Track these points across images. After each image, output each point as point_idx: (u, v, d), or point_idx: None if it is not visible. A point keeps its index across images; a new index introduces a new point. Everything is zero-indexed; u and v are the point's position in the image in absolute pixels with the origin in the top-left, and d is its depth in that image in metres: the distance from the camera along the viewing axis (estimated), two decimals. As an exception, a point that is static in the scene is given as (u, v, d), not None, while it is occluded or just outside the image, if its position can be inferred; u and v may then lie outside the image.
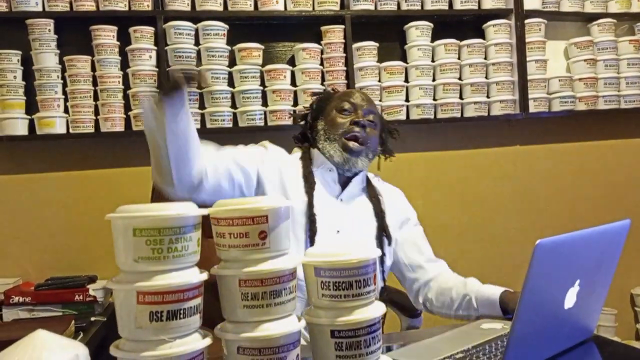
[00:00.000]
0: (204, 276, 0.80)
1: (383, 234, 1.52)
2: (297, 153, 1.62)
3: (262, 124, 2.40)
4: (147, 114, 1.27)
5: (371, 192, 1.59)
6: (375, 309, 0.88)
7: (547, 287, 0.97)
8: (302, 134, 1.66)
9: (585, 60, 2.79)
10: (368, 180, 1.62)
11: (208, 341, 0.79)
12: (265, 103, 2.45)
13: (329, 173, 1.55)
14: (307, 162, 1.56)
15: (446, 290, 1.49)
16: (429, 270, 1.55)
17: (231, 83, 2.44)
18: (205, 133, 2.37)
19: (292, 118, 1.69)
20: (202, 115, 2.40)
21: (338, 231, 1.49)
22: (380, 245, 1.52)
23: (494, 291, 1.40)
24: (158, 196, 1.67)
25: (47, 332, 0.68)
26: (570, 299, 1.03)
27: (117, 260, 0.78)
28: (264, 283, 0.82)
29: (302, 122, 1.66)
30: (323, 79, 2.52)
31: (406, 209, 1.65)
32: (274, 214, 0.84)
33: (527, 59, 2.69)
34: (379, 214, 1.55)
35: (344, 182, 1.56)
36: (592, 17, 2.85)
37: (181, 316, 0.76)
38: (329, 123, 1.55)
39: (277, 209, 0.85)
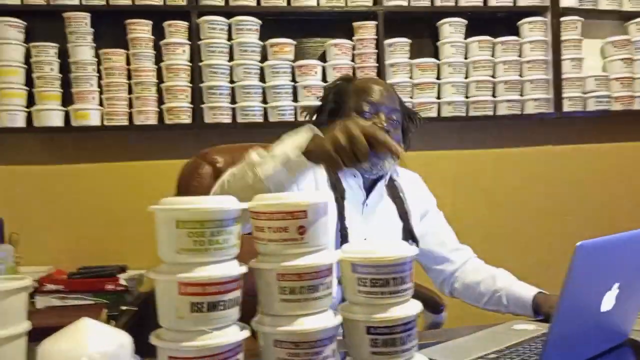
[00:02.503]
0: (244, 269, 0.81)
1: (409, 236, 1.48)
2: None
3: (293, 119, 2.41)
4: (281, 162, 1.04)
5: (394, 191, 1.52)
6: (411, 307, 0.88)
7: (585, 289, 0.96)
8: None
9: (622, 59, 2.74)
10: (389, 176, 1.54)
11: (246, 333, 0.80)
12: (295, 99, 2.45)
13: (353, 179, 1.46)
14: None
15: (474, 284, 1.48)
16: (453, 261, 1.53)
17: (262, 78, 2.45)
18: (236, 127, 2.40)
19: (304, 113, 1.49)
20: (233, 109, 2.42)
21: (365, 239, 1.42)
22: None
23: (527, 292, 1.38)
24: (184, 190, 1.68)
25: (92, 320, 0.69)
26: (607, 302, 1.01)
27: (159, 251, 0.79)
28: (302, 277, 0.82)
29: (316, 116, 1.50)
30: (354, 75, 2.52)
31: (425, 199, 1.59)
32: (313, 209, 0.84)
33: (563, 57, 2.65)
34: (404, 215, 1.50)
35: (369, 187, 1.48)
36: (630, 16, 2.80)
37: (221, 308, 0.77)
38: None
39: (316, 204, 0.85)
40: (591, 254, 0.92)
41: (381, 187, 1.49)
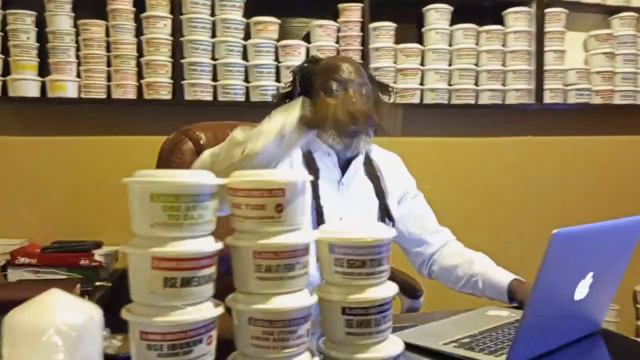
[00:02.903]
0: (219, 245, 0.79)
1: (385, 214, 1.48)
2: None
3: (275, 99, 2.39)
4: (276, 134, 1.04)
5: (371, 169, 1.51)
6: (387, 289, 0.88)
7: (560, 277, 0.97)
8: None
9: (604, 53, 2.76)
10: (366, 154, 1.52)
11: (220, 310, 0.79)
12: (278, 79, 2.43)
13: (328, 157, 1.44)
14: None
15: (451, 267, 1.49)
16: (432, 244, 1.54)
17: (245, 56, 2.42)
18: (217, 106, 2.37)
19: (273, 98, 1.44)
20: (215, 87, 2.38)
21: (341, 218, 1.43)
22: None
23: (503, 279, 1.39)
24: (164, 166, 1.66)
25: (61, 292, 0.67)
26: (581, 291, 1.02)
27: (133, 225, 0.77)
28: (278, 256, 0.81)
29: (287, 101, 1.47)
30: (338, 58, 2.50)
31: (404, 180, 1.58)
32: (292, 187, 0.83)
33: (545, 48, 2.66)
34: (380, 194, 1.49)
35: (344, 165, 1.47)
36: (613, 10, 2.81)
37: (195, 284, 0.75)
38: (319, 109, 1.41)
39: (295, 182, 0.84)
40: (566, 242, 0.92)
41: (357, 165, 1.48)
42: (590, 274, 1.02)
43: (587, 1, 2.76)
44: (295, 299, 0.82)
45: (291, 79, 1.51)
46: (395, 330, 0.92)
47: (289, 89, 1.49)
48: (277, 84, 2.41)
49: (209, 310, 0.78)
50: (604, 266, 1.07)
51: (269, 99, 2.38)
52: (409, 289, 1.71)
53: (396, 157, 1.62)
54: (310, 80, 1.45)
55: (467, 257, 1.49)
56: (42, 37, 2.28)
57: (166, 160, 1.67)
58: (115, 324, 0.89)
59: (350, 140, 1.40)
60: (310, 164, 1.42)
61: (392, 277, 0.91)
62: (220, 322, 0.82)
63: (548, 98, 2.67)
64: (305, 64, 1.52)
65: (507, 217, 2.75)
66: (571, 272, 0.99)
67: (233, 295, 0.85)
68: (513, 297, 1.36)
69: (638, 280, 2.89)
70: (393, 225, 1.50)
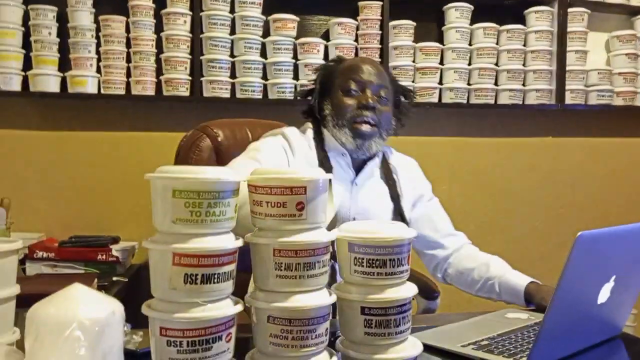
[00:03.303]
0: (240, 242, 0.79)
1: (399, 217, 1.47)
2: (309, 132, 1.49)
3: (292, 97, 2.38)
4: None
5: (387, 172, 1.51)
6: (407, 289, 0.87)
7: (583, 280, 0.95)
8: (310, 110, 1.52)
9: (626, 54, 2.72)
10: (383, 156, 1.54)
11: (239, 307, 0.79)
12: (296, 76, 2.42)
13: (342, 157, 1.46)
14: (320, 144, 1.46)
15: (467, 271, 1.47)
16: (447, 247, 1.53)
17: (263, 54, 2.42)
18: (235, 103, 2.37)
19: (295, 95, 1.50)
20: (233, 84, 2.39)
21: (354, 218, 1.43)
22: None
23: (520, 282, 1.37)
24: (182, 162, 1.67)
25: (83, 286, 0.67)
26: (604, 295, 1.01)
27: (154, 220, 0.77)
28: (299, 254, 0.81)
29: (312, 98, 1.52)
30: (356, 55, 2.49)
31: (420, 184, 1.58)
32: (313, 185, 0.83)
33: (567, 49, 2.62)
34: (395, 197, 1.49)
35: (359, 166, 1.48)
36: (636, 11, 2.78)
37: (215, 280, 0.75)
38: (336, 107, 1.44)
39: (316, 180, 0.83)
40: (591, 244, 0.91)
41: (372, 167, 1.49)
42: (614, 277, 1.00)
43: (610, 1, 2.73)
44: (315, 298, 0.82)
45: (313, 77, 1.54)
46: (412, 331, 0.91)
47: (311, 87, 1.52)
48: (295, 81, 2.40)
49: (228, 308, 0.77)
50: (627, 270, 1.05)
51: (287, 96, 2.37)
52: (425, 290, 1.70)
53: (413, 162, 1.63)
54: (331, 79, 1.47)
55: (483, 261, 1.47)
56: (63, 33, 2.30)
57: (184, 156, 1.67)
58: (131, 319, 0.89)
59: (363, 141, 1.42)
60: (324, 163, 1.43)
61: (409, 278, 0.90)
62: (240, 320, 0.82)
63: (569, 99, 2.64)
64: (329, 63, 1.54)
65: (525, 219, 2.72)
66: (595, 275, 0.98)
67: (252, 293, 0.85)
68: (530, 300, 1.34)
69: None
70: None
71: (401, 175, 1.54)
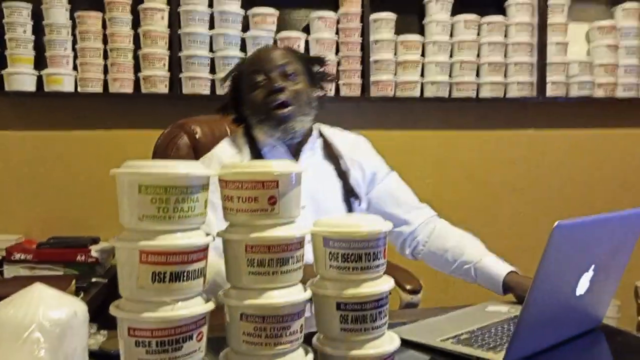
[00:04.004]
0: (210, 239, 0.77)
1: (350, 194, 1.45)
2: (239, 140, 1.47)
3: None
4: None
5: (329, 150, 1.49)
6: (383, 284, 0.85)
7: (561, 270, 0.95)
8: (235, 119, 1.51)
9: (606, 45, 2.72)
10: (323, 137, 1.50)
11: (211, 306, 0.77)
12: (277, 72, 2.39)
13: (276, 149, 1.43)
14: (252, 143, 1.44)
15: (441, 251, 1.44)
16: (412, 222, 1.49)
17: (244, 49, 2.39)
18: (215, 100, 2.34)
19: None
20: (212, 81, 2.36)
21: (303, 207, 1.39)
22: (349, 207, 1.44)
23: (498, 271, 1.33)
24: (160, 158, 1.65)
25: (45, 286, 0.65)
26: (582, 285, 1.00)
27: (121, 217, 0.75)
28: (271, 250, 0.79)
29: (227, 111, 1.51)
30: (338, 50, 2.47)
31: (370, 161, 1.54)
32: (285, 179, 0.81)
33: (548, 40, 2.62)
34: (342, 174, 1.46)
35: (296, 150, 1.44)
36: (616, 1, 2.77)
37: (184, 278, 0.73)
38: (251, 105, 1.42)
39: (289, 174, 0.82)
40: (569, 234, 0.90)
41: (310, 149, 1.46)
42: (592, 267, 1.00)
43: (589, -8, 2.73)
44: (289, 294, 0.80)
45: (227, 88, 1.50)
46: (392, 326, 0.90)
47: (226, 101, 1.50)
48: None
49: (199, 306, 0.75)
50: (606, 259, 1.04)
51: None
52: (407, 285, 1.69)
53: (360, 138, 1.58)
54: (240, 83, 1.46)
55: (456, 241, 1.44)
56: (38, 30, 2.26)
57: (161, 155, 1.65)
58: (112, 321, 0.87)
59: (285, 124, 1.38)
60: (259, 159, 1.41)
61: (390, 272, 0.89)
62: (212, 319, 0.80)
63: (550, 91, 2.64)
64: (234, 69, 1.51)
65: (508, 211, 2.72)
66: (573, 265, 0.97)
67: (225, 291, 0.83)
68: (510, 291, 1.32)
69: (639, 275, 2.86)
70: (360, 204, 1.47)
71: (346, 153, 1.50)
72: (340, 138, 1.54)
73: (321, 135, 1.51)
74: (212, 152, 1.48)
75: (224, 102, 1.51)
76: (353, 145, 1.54)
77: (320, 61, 1.51)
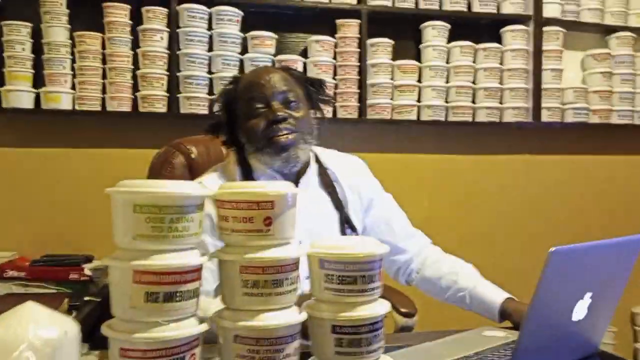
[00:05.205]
0: (204, 259, 0.77)
1: (346, 226, 1.40)
2: (231, 167, 1.38)
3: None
4: None
5: (326, 179, 1.41)
6: (379, 307, 0.85)
7: (557, 296, 0.94)
8: (226, 142, 1.40)
9: (601, 72, 2.76)
10: (319, 163, 1.42)
11: (204, 327, 0.76)
12: (275, 93, 2.41)
13: (274, 180, 1.32)
14: (246, 172, 1.34)
15: (434, 279, 1.41)
16: (407, 250, 1.45)
17: (242, 70, 2.41)
18: (212, 120, 2.34)
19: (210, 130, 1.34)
20: (211, 101, 2.36)
21: (300, 242, 1.17)
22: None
23: (494, 297, 1.32)
24: (155, 177, 1.64)
25: (36, 305, 0.64)
26: (579, 311, 0.99)
27: (115, 236, 0.75)
28: (266, 271, 0.79)
29: (219, 133, 1.40)
30: (335, 74, 2.49)
31: (367, 187, 1.47)
32: (281, 200, 0.81)
33: (543, 67, 2.65)
34: (339, 205, 1.40)
35: (294, 181, 1.35)
36: (611, 30, 2.82)
37: (177, 299, 0.73)
38: (247, 133, 1.32)
39: (284, 195, 0.81)
40: (565, 260, 0.90)
41: (307, 180, 1.38)
42: (589, 294, 0.99)
43: (584, 20, 2.77)
44: (283, 316, 0.79)
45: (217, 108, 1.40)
46: (388, 350, 0.89)
47: (217, 121, 1.39)
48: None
49: (192, 327, 0.75)
50: (603, 286, 1.04)
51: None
52: (402, 308, 1.68)
53: (356, 160, 1.53)
54: (235, 105, 1.35)
55: (449, 268, 1.41)
56: (37, 49, 2.27)
57: (156, 174, 1.64)
58: (104, 340, 0.86)
59: (287, 152, 1.30)
60: None
61: (385, 295, 0.88)
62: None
63: (545, 116, 2.66)
64: (227, 87, 1.41)
65: (503, 235, 2.72)
66: (569, 291, 0.96)
67: (219, 312, 0.82)
68: (507, 318, 1.31)
69: (635, 301, 2.85)
70: (356, 234, 1.42)
71: (343, 179, 1.44)
72: (337, 161, 1.48)
73: (317, 160, 1.44)
74: (199, 180, 1.37)
75: (215, 122, 1.41)
76: (349, 168, 1.49)
77: (320, 83, 1.44)
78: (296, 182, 1.36)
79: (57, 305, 1.69)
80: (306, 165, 1.39)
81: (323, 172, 1.43)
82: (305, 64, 2.45)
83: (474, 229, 2.66)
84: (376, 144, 2.57)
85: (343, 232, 1.40)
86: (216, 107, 1.43)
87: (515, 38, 2.64)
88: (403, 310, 1.66)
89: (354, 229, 1.41)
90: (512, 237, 2.72)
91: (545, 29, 2.66)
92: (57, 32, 2.25)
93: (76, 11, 2.29)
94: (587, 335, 1.09)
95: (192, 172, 1.64)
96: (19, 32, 2.23)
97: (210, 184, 1.30)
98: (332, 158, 1.48)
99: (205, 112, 2.35)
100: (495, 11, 2.64)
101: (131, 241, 0.72)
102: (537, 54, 2.64)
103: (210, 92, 2.37)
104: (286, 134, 1.29)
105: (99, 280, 2.08)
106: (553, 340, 0.99)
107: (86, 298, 1.95)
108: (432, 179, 2.66)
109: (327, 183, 1.42)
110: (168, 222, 0.72)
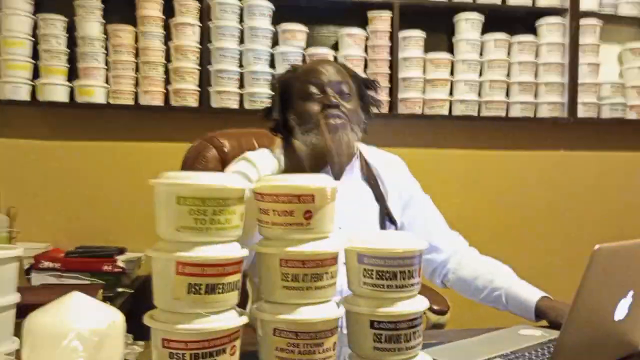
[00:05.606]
0: (245, 252, 0.77)
1: (386, 218, 1.41)
2: (277, 151, 1.40)
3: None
4: None
5: (368, 173, 1.44)
6: (418, 303, 0.84)
7: (600, 295, 0.92)
8: (276, 126, 1.42)
9: (639, 67, 2.68)
10: (361, 156, 1.45)
11: (244, 319, 0.76)
12: (305, 87, 2.40)
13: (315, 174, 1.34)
14: (292, 156, 1.36)
15: (470, 279, 1.41)
16: (443, 250, 1.45)
17: (272, 64, 2.41)
18: (243, 114, 2.35)
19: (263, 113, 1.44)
20: (241, 95, 2.37)
21: (340, 227, 1.23)
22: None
23: (530, 297, 1.31)
24: (188, 170, 1.65)
25: (82, 295, 0.65)
26: (621, 311, 0.97)
27: (158, 228, 0.75)
28: (306, 265, 0.78)
29: (273, 115, 1.41)
30: (366, 67, 2.47)
31: (407, 184, 1.50)
32: (321, 193, 0.80)
33: (579, 61, 2.59)
34: (380, 197, 1.42)
35: (337, 173, 1.37)
36: (649, 23, 2.74)
37: (220, 291, 0.73)
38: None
39: (325, 188, 0.81)
40: (608, 258, 0.88)
41: (352, 171, 1.41)
42: (631, 292, 0.97)
43: (622, 13, 2.70)
44: (322, 310, 0.79)
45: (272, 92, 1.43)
46: (423, 346, 0.88)
47: (270, 103, 1.42)
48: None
49: (233, 319, 0.75)
50: (646, 285, 1.01)
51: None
52: (435, 305, 1.66)
53: (397, 159, 1.54)
54: (290, 90, 1.39)
55: (486, 268, 1.41)
56: (72, 42, 2.30)
57: (190, 167, 1.65)
58: (136, 331, 0.86)
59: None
60: None
61: (420, 291, 0.87)
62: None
63: (581, 112, 2.61)
64: (285, 73, 1.45)
65: (537, 232, 2.67)
66: (612, 290, 0.94)
67: (258, 305, 0.82)
68: (543, 317, 1.29)
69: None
70: (395, 229, 1.43)
71: (385, 175, 1.46)
72: (379, 157, 1.50)
73: (360, 155, 1.47)
74: (244, 155, 1.40)
75: (268, 107, 1.43)
76: (391, 165, 1.51)
77: (374, 85, 1.48)
78: (340, 173, 1.38)
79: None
80: (350, 157, 1.40)
81: (365, 166, 1.45)
82: (336, 58, 2.44)
83: (506, 225, 2.62)
84: (407, 139, 2.55)
85: (383, 225, 1.41)
86: (271, 91, 1.45)
87: (551, 31, 2.59)
88: (435, 307, 1.64)
89: (393, 223, 1.42)
90: (546, 235, 2.67)
91: (582, 22, 2.60)
92: (91, 26, 2.28)
93: (110, 5, 2.32)
94: (628, 335, 1.07)
95: (225, 165, 1.64)
96: (55, 26, 2.27)
97: (255, 156, 1.37)
98: (374, 154, 1.50)
99: (236, 106, 2.36)
100: (530, 3, 2.59)
101: (174, 233, 0.73)
102: (574, 47, 2.58)
103: (241, 86, 2.38)
104: (337, 117, 1.32)
105: (131, 272, 2.11)
106: (593, 339, 0.97)
107: (119, 289, 1.98)
108: (465, 175, 2.62)
109: (370, 177, 1.43)
110: (211, 214, 0.72)
